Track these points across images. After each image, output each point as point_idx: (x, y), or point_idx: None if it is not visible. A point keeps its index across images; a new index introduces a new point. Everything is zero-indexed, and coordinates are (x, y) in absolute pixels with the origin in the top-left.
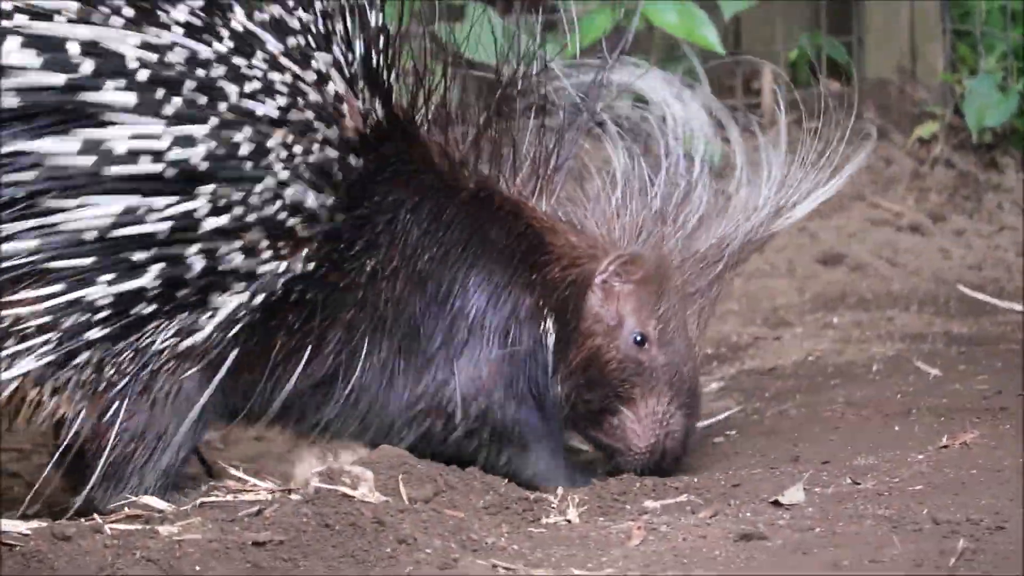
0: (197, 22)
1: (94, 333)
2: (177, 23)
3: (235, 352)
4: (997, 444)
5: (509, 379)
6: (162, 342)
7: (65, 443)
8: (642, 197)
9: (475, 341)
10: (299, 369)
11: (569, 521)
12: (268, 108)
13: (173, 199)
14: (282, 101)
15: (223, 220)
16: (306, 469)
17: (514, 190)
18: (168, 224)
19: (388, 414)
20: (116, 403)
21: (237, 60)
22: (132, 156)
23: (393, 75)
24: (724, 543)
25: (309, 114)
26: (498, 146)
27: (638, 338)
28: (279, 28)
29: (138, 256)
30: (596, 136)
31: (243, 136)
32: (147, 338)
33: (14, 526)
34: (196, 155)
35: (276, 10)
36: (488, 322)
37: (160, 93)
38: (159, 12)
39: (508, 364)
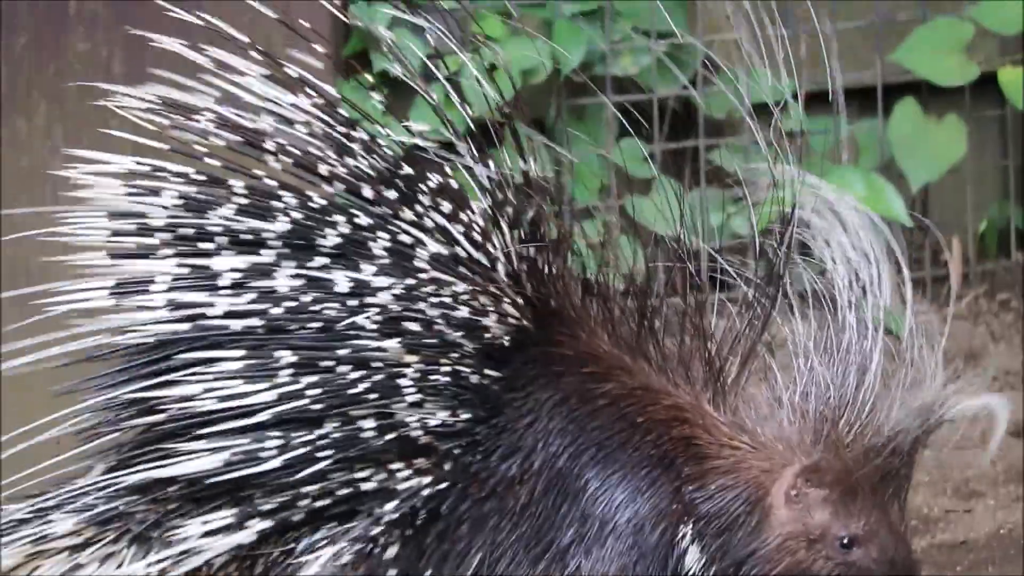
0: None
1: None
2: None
3: (397, 557)
4: None
5: None
6: (308, 547)
7: None
8: (820, 388)
9: (604, 543)
10: (450, 569)
11: None
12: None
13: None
14: (417, 327)
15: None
16: None
17: (681, 392)
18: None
19: None
20: None
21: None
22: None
23: (549, 273)
24: None
25: (452, 333)
26: (665, 344)
27: (845, 542)
28: (432, 236)
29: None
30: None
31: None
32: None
33: None
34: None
35: (434, 219)
36: (617, 526)
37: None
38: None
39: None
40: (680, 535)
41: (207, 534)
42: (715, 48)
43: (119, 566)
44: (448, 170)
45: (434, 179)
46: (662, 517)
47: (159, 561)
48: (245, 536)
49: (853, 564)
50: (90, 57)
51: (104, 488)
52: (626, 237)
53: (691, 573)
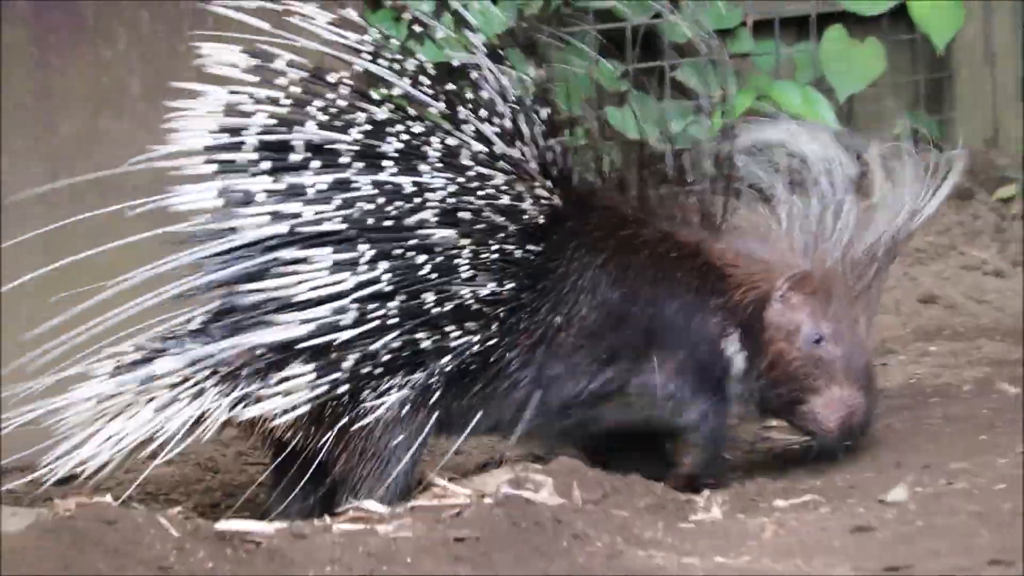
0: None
1: (339, 387)
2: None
3: (442, 398)
4: None
5: (692, 378)
6: (375, 396)
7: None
8: (801, 222)
9: (664, 352)
10: (498, 401)
11: (714, 517)
12: (457, 225)
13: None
14: (468, 215)
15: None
16: (497, 477)
17: (691, 235)
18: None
19: (574, 415)
20: (352, 435)
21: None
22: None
23: (568, 161)
24: (841, 535)
25: (496, 218)
26: (671, 204)
27: (816, 338)
28: (473, 139)
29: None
30: (753, 181)
31: (434, 255)
32: (367, 390)
33: (261, 528)
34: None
35: (473, 124)
36: (677, 339)
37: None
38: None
39: (692, 369)
40: (727, 341)
41: (289, 382)
42: None
43: (207, 400)
44: (477, 82)
45: (469, 91)
46: (711, 332)
47: (244, 400)
48: (323, 386)
49: (819, 356)
50: None
51: (206, 341)
52: (605, 139)
53: (733, 366)
